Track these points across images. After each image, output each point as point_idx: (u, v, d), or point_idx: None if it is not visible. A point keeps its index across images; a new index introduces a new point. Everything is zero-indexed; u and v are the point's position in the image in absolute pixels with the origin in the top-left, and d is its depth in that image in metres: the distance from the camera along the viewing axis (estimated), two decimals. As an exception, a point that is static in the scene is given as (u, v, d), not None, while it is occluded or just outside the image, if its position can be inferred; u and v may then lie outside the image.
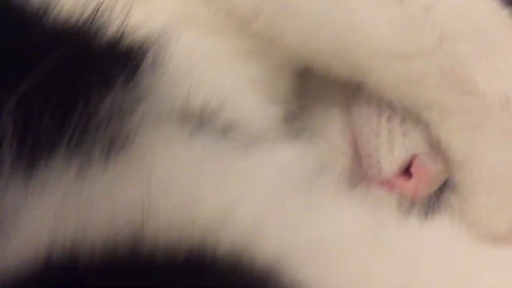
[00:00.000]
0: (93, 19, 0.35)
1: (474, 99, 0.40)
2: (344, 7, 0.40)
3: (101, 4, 0.36)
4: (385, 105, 0.42)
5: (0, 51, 0.32)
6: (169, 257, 0.28)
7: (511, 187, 0.41)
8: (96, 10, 0.36)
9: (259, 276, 0.29)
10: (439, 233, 0.40)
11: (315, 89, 0.47)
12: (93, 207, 0.29)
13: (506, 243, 0.41)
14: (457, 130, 0.41)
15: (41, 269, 0.27)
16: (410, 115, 0.42)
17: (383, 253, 0.35)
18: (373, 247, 0.35)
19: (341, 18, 0.40)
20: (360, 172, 0.44)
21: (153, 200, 0.29)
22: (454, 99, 0.40)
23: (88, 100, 0.32)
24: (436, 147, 0.42)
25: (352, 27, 0.40)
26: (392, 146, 0.43)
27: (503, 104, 0.39)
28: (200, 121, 0.37)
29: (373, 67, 0.41)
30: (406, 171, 0.42)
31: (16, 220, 0.28)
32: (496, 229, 0.42)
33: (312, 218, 0.35)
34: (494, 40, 0.41)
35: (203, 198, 0.32)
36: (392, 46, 0.40)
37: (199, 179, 0.33)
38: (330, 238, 0.35)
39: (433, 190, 0.43)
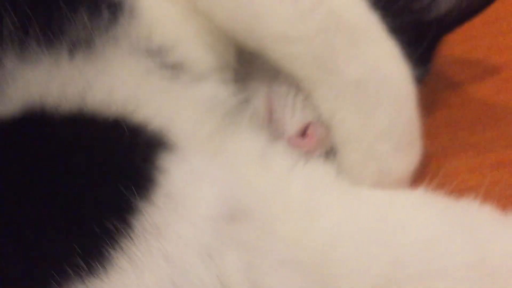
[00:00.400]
0: None
1: (336, 77, 0.54)
2: (253, 16, 0.54)
3: None
4: (293, 83, 0.58)
5: None
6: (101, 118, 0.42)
7: (366, 146, 0.56)
8: None
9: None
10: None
11: (252, 62, 0.61)
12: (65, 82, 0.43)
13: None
14: (324, 100, 0.55)
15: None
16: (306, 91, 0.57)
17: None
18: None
19: (247, 4, 0.54)
20: (272, 132, 0.59)
21: (98, 89, 0.44)
22: (321, 76, 0.54)
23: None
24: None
25: (255, 12, 0.54)
26: (293, 115, 0.58)
27: (357, 84, 0.54)
28: (157, 57, 0.51)
29: (269, 45, 0.55)
30: (304, 133, 0.58)
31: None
32: (364, 179, 0.57)
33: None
34: (360, 36, 0.55)
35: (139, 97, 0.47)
36: (282, 30, 0.54)
37: (142, 89, 0.48)
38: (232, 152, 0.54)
39: (322, 149, 0.58)
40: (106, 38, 0.48)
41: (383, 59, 0.57)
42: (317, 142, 0.58)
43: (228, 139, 0.57)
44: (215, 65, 0.59)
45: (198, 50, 0.58)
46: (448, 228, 0.50)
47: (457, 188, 0.54)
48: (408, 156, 0.59)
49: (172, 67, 0.53)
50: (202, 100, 0.55)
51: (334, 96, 0.55)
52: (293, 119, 0.59)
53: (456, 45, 0.78)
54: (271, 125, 0.60)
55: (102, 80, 0.46)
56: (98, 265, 0.34)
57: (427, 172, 0.58)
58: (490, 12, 0.69)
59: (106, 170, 0.39)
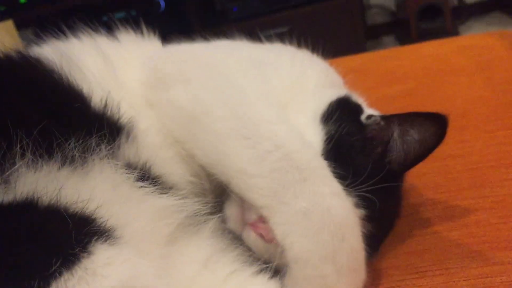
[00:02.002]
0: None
1: (287, 208, 0.64)
2: (215, 139, 0.67)
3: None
4: None
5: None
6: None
7: (311, 267, 0.63)
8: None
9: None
10: None
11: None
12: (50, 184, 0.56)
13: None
14: (278, 225, 0.64)
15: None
16: None
17: None
18: None
19: (218, 147, 0.67)
20: (243, 220, 0.71)
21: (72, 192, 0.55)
22: (274, 205, 0.64)
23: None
24: None
25: (224, 153, 0.66)
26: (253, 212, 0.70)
27: (304, 214, 0.64)
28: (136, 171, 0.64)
29: (234, 178, 0.66)
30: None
31: None
32: None
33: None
34: (308, 175, 0.65)
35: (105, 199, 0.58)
36: (244, 167, 0.65)
37: (110, 194, 0.60)
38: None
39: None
40: (94, 157, 0.61)
41: (327, 194, 0.65)
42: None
43: (183, 243, 0.67)
44: (188, 182, 0.72)
45: (175, 169, 0.71)
46: None
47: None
48: (351, 280, 0.66)
49: (146, 179, 0.65)
50: (164, 208, 0.65)
51: (285, 223, 0.64)
52: (257, 212, 0.67)
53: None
54: (241, 212, 0.71)
55: (77, 186, 0.58)
56: None
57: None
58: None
59: (46, 243, 0.50)
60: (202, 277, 0.65)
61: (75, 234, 0.50)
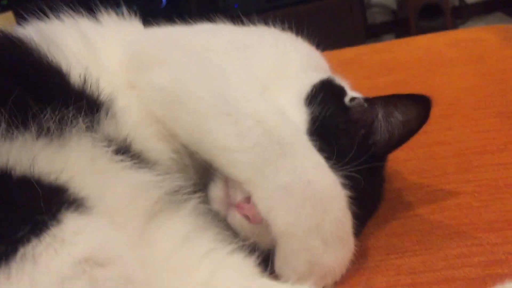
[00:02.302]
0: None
1: (268, 182, 0.65)
2: (196, 118, 0.68)
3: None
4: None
5: None
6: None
7: (297, 240, 0.64)
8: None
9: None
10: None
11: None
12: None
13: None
14: (260, 200, 0.65)
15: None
16: None
17: None
18: None
19: (200, 125, 0.68)
20: (227, 202, 0.71)
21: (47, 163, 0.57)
22: (256, 180, 0.65)
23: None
24: None
25: (205, 130, 0.67)
26: (241, 188, 0.68)
27: (285, 187, 0.65)
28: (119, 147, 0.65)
29: (216, 155, 0.67)
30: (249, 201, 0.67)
31: None
32: (297, 268, 0.66)
33: None
34: (288, 150, 0.66)
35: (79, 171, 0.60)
36: (226, 143, 0.66)
37: (85, 166, 0.61)
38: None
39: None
40: (71, 129, 0.61)
41: (308, 167, 0.66)
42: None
43: (162, 219, 0.68)
44: (169, 159, 0.72)
45: (156, 146, 0.71)
46: None
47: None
48: (338, 251, 0.67)
49: (125, 154, 0.66)
50: (143, 182, 0.66)
51: (267, 197, 0.65)
52: (242, 188, 0.68)
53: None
54: (225, 193, 0.71)
55: (52, 157, 0.58)
56: None
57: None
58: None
59: (15, 211, 0.50)
60: (178, 254, 0.65)
61: (45, 203, 0.50)
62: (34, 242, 0.48)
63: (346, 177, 0.70)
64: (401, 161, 0.94)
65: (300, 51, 0.85)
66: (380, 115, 0.76)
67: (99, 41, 0.77)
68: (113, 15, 0.84)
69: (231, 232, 0.72)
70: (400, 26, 3.69)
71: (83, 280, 0.47)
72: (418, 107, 0.74)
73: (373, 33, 3.73)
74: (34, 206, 0.50)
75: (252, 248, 0.70)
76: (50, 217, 0.50)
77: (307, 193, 0.65)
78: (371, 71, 1.39)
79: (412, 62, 1.40)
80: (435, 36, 1.55)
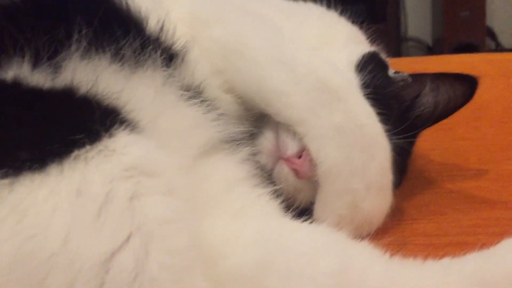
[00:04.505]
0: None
1: (322, 121, 0.68)
2: (254, 66, 0.72)
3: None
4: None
5: None
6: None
7: (342, 180, 0.67)
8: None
9: None
10: None
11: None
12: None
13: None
14: (313, 140, 0.68)
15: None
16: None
17: None
18: None
19: (258, 73, 0.71)
20: (276, 155, 0.72)
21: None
22: (311, 120, 0.68)
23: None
24: None
25: (263, 77, 0.70)
26: (294, 141, 0.70)
27: (338, 127, 0.68)
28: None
29: (273, 98, 0.70)
30: (300, 156, 0.70)
31: None
32: (338, 209, 0.68)
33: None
34: (341, 95, 0.69)
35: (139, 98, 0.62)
36: (283, 87, 0.69)
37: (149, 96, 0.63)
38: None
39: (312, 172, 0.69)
40: (146, 61, 0.65)
41: (360, 113, 0.70)
42: (308, 166, 0.69)
43: (215, 159, 0.70)
44: (232, 110, 0.75)
45: (223, 96, 0.75)
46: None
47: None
48: (379, 199, 0.70)
49: (191, 90, 0.69)
50: (202, 118, 0.69)
51: (320, 136, 0.68)
52: (293, 142, 0.70)
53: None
54: (275, 146, 0.73)
55: (120, 81, 0.61)
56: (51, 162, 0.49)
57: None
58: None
59: (73, 121, 0.54)
60: (219, 189, 0.67)
61: (101, 119, 0.54)
62: (88, 147, 0.51)
63: None
64: (426, 150, 0.96)
65: (345, 24, 0.90)
66: (427, 89, 0.80)
67: (165, 0, 0.81)
68: None
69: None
70: (433, 62, 3.72)
71: (129, 183, 0.50)
72: (465, 85, 0.79)
73: (406, 66, 3.76)
74: (90, 120, 0.53)
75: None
76: (103, 131, 0.53)
77: (358, 135, 0.68)
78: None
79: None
80: (470, 55, 1.59)
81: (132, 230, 0.47)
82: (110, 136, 0.53)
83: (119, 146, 0.53)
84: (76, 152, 0.50)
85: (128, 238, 0.47)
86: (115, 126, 0.54)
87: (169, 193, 0.53)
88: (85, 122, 0.53)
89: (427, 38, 3.86)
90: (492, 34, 3.73)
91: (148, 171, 0.52)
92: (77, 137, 0.51)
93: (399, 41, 3.71)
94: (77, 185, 0.48)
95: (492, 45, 3.77)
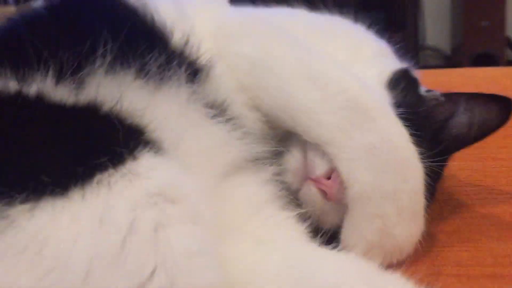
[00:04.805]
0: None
1: (354, 142, 0.65)
2: (282, 83, 0.69)
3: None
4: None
5: None
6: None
7: (374, 204, 0.64)
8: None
9: None
10: None
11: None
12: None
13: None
14: (344, 161, 0.65)
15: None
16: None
17: None
18: None
19: (287, 90, 0.69)
20: (304, 175, 0.70)
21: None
22: (342, 140, 0.65)
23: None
24: None
25: (291, 95, 0.68)
26: (323, 160, 0.67)
27: (371, 149, 0.65)
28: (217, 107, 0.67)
29: (302, 117, 0.67)
30: (329, 177, 0.68)
31: None
32: (368, 235, 0.65)
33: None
34: (374, 114, 0.66)
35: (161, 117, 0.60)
36: (313, 105, 0.66)
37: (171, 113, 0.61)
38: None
39: (342, 194, 0.66)
40: (171, 77, 0.63)
41: (394, 134, 0.67)
42: (338, 187, 0.67)
43: (240, 179, 0.69)
44: (256, 128, 0.73)
45: (247, 114, 0.73)
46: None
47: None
48: (411, 225, 0.66)
49: (219, 114, 0.67)
50: (227, 137, 0.67)
51: (351, 158, 0.65)
52: (322, 161, 0.68)
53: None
54: (303, 173, 0.70)
55: (144, 99, 0.59)
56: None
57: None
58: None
59: (96, 143, 0.52)
60: (243, 211, 0.65)
61: (124, 140, 0.52)
62: (111, 171, 0.49)
63: None
64: (454, 170, 0.93)
65: (372, 38, 0.87)
66: (461, 110, 0.77)
67: (191, 12, 0.79)
68: None
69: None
70: (451, 72, 3.67)
71: (154, 211, 0.48)
72: (500, 107, 0.76)
73: (423, 75, 3.72)
74: (113, 141, 0.51)
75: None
76: (127, 152, 0.51)
77: (391, 157, 0.65)
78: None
79: (467, 86, 1.40)
80: (492, 68, 1.55)
81: (157, 263, 0.44)
82: (134, 158, 0.51)
83: (143, 169, 0.50)
84: (99, 176, 0.48)
85: (153, 273, 0.44)
86: (139, 148, 0.52)
87: (194, 221, 0.50)
88: (108, 143, 0.51)
89: (446, 47, 3.82)
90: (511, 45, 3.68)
91: (172, 197, 0.50)
92: (101, 160, 0.49)
93: (417, 50, 3.67)
94: (100, 212, 0.46)
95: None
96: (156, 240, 0.46)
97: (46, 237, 0.44)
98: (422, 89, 0.81)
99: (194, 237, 0.49)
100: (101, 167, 0.49)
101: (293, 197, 0.72)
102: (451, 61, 3.77)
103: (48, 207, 0.45)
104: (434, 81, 1.47)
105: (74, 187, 0.46)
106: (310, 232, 0.68)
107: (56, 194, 0.46)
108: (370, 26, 0.91)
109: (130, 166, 0.50)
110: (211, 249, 0.49)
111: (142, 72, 0.60)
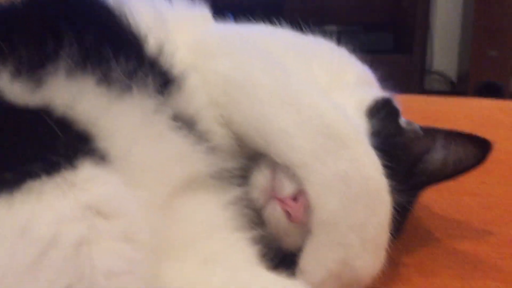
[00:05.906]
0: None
1: (326, 168, 0.63)
2: (257, 104, 0.67)
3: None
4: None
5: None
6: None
7: (339, 232, 0.62)
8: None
9: None
10: None
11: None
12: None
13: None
14: (314, 185, 0.63)
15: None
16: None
17: None
18: None
19: (260, 110, 0.67)
20: (270, 193, 0.68)
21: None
22: (314, 165, 0.63)
23: None
24: None
25: (265, 116, 0.66)
26: (291, 181, 0.66)
27: (343, 177, 0.63)
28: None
29: (275, 139, 0.65)
30: (295, 199, 0.66)
31: None
32: (328, 263, 0.63)
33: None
34: (348, 142, 0.64)
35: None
36: (287, 129, 0.65)
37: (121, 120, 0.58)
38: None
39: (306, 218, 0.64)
40: (136, 86, 0.61)
41: (367, 164, 0.65)
42: (303, 210, 0.65)
43: (200, 197, 0.67)
44: (225, 144, 0.71)
45: (217, 129, 0.71)
46: None
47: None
48: (372, 259, 0.65)
49: (182, 120, 0.65)
50: (188, 151, 0.64)
51: (321, 183, 0.63)
52: (291, 182, 0.66)
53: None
54: (271, 184, 0.68)
55: (101, 107, 0.57)
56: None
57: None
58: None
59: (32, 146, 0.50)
60: (200, 238, 0.63)
61: (65, 147, 0.50)
62: (44, 179, 0.47)
63: None
64: (428, 200, 0.91)
65: (355, 64, 0.86)
66: (438, 146, 0.76)
67: (171, 21, 0.78)
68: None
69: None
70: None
71: (82, 226, 0.46)
72: (477, 148, 0.75)
73: (427, 99, 3.71)
74: (50, 147, 0.50)
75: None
76: (65, 161, 0.49)
77: (362, 188, 0.64)
78: (415, 116, 1.38)
79: (461, 119, 1.38)
80: (492, 102, 1.54)
81: (72, 281, 0.43)
82: (73, 167, 0.49)
83: (79, 180, 0.49)
84: (30, 183, 0.46)
85: None
86: (78, 156, 0.50)
87: (127, 239, 0.49)
88: (44, 150, 0.49)
89: (452, 74, 3.80)
90: (518, 76, 3.65)
91: (106, 212, 0.48)
92: (33, 166, 0.47)
93: (423, 74, 3.65)
94: (24, 221, 0.44)
95: (518, 87, 3.69)
96: (77, 256, 0.44)
97: None
98: (403, 121, 0.80)
99: (122, 256, 0.47)
100: (32, 174, 0.47)
101: (256, 215, 0.70)
102: (456, 87, 3.75)
103: None
104: (430, 110, 1.47)
105: (0, 192, 0.45)
106: (265, 254, 0.66)
107: None
108: (354, 50, 0.90)
109: (66, 175, 0.48)
110: (141, 268, 0.48)
111: (106, 78, 0.58)
